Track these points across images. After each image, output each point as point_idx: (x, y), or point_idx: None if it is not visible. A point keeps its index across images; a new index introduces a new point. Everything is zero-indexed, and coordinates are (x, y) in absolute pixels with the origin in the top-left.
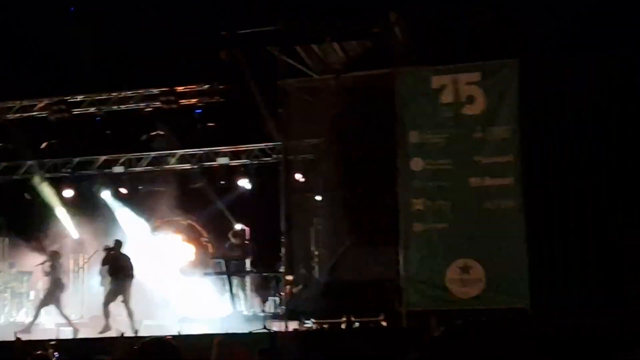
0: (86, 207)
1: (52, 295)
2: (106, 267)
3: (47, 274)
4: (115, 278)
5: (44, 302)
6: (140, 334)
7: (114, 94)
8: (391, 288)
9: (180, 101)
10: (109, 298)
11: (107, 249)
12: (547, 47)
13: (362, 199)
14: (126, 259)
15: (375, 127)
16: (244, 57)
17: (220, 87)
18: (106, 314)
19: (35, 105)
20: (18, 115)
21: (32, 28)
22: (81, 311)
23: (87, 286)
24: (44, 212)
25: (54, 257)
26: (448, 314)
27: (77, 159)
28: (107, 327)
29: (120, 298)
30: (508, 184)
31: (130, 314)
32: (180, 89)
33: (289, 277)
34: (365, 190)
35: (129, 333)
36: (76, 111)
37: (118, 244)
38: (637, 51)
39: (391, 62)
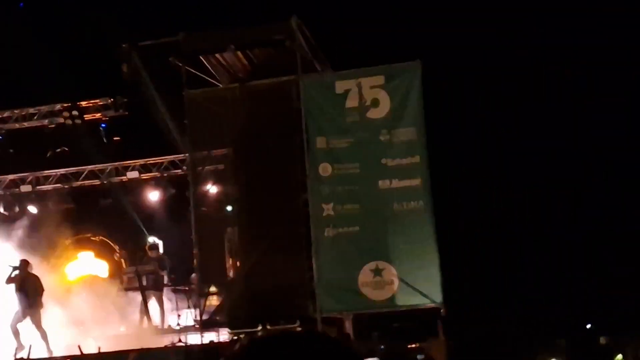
0: None
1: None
2: (13, 285)
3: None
4: (22, 298)
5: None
6: (54, 355)
7: (15, 111)
8: (305, 294)
9: (85, 116)
10: (17, 318)
11: (13, 268)
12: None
13: (272, 206)
14: (34, 279)
15: (283, 134)
16: (147, 69)
17: (125, 100)
18: (15, 333)
19: None
20: None
21: None
22: None
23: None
24: None
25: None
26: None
27: None
28: (20, 347)
29: (29, 320)
30: (416, 184)
31: (43, 336)
32: (83, 103)
33: (204, 289)
34: (276, 197)
35: (43, 355)
36: None
37: (24, 263)
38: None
39: (295, 69)
